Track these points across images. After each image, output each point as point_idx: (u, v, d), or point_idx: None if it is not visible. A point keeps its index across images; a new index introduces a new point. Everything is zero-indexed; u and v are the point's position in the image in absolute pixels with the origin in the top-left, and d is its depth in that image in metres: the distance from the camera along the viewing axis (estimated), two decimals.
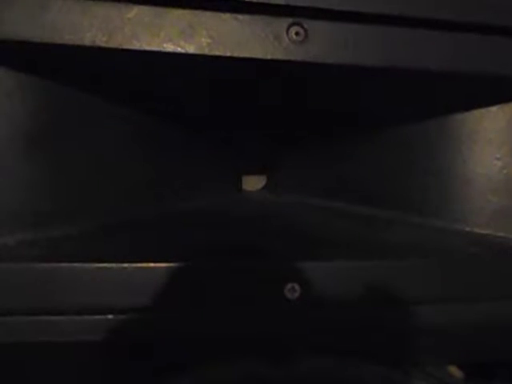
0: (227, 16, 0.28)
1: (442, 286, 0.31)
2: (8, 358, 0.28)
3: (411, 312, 0.31)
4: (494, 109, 0.35)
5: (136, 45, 0.27)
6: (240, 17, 0.28)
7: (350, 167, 0.47)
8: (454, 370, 0.43)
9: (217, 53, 0.28)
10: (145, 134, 0.40)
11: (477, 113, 0.36)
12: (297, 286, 0.29)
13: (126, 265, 0.27)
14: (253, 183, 0.64)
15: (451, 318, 0.32)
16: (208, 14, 0.27)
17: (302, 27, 0.29)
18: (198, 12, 0.27)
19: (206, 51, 0.28)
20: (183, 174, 0.49)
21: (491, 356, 0.36)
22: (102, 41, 0.26)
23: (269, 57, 0.28)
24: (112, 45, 0.27)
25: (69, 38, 0.26)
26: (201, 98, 0.38)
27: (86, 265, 0.27)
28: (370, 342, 0.32)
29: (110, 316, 0.28)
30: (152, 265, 0.28)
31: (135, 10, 0.27)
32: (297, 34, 0.28)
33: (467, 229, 0.36)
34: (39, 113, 0.29)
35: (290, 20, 0.28)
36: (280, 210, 0.53)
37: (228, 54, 0.28)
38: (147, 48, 0.27)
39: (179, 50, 0.27)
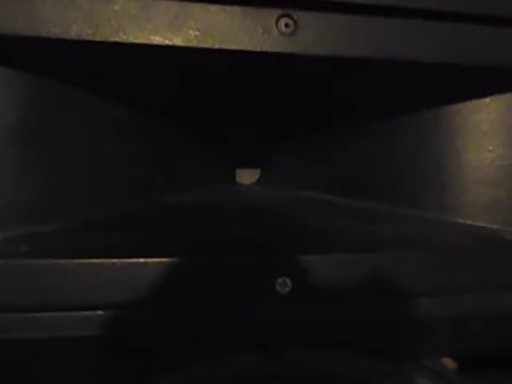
0: (215, 8, 0.27)
1: (435, 279, 0.31)
2: None
3: (404, 305, 0.31)
4: (487, 100, 0.35)
5: (123, 37, 0.26)
6: (228, 8, 0.27)
7: (344, 160, 0.47)
8: (448, 361, 0.44)
9: (205, 45, 0.27)
10: (136, 128, 0.39)
11: (470, 104, 0.35)
12: (288, 281, 0.29)
13: (116, 260, 0.27)
14: (247, 176, 0.63)
15: (445, 310, 0.32)
16: (196, 5, 0.27)
17: (292, 19, 0.28)
18: (186, 3, 0.27)
19: (194, 43, 0.27)
20: (176, 168, 0.48)
21: (485, 348, 0.36)
22: (88, 34, 0.26)
23: (258, 49, 0.28)
24: (98, 38, 0.26)
25: (54, 32, 0.26)
26: (191, 90, 0.38)
27: (77, 261, 0.27)
28: (362, 335, 0.32)
29: (101, 312, 0.28)
30: (142, 260, 0.28)
31: (121, 2, 0.26)
32: (286, 25, 0.28)
33: (460, 221, 0.36)
34: (26, 107, 0.29)
35: (280, 11, 0.28)
36: (274, 203, 0.53)
37: (216, 47, 0.27)
38: (134, 40, 0.27)
39: (167, 42, 0.27)
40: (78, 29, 0.26)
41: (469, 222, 0.35)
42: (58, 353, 0.28)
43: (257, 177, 0.64)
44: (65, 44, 0.26)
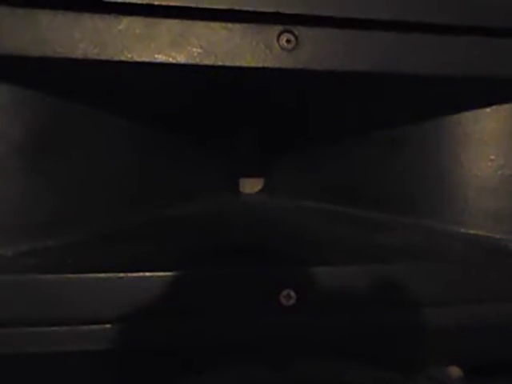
0: (217, 25, 0.28)
1: (438, 289, 0.31)
2: (6, 370, 0.28)
3: (408, 316, 0.31)
4: (488, 110, 0.35)
5: (127, 56, 0.27)
6: (230, 26, 0.28)
7: (347, 170, 0.47)
8: (454, 369, 0.44)
9: (208, 62, 0.28)
10: (140, 142, 0.40)
11: (471, 114, 0.36)
12: (292, 293, 0.29)
13: (122, 274, 0.28)
14: (250, 186, 0.64)
15: (450, 319, 0.32)
16: (198, 23, 0.27)
17: (293, 34, 0.29)
18: (188, 22, 0.27)
19: (197, 61, 0.28)
20: (180, 178, 0.49)
21: (491, 356, 0.36)
22: (93, 53, 0.27)
23: (260, 65, 0.28)
24: (103, 57, 0.27)
25: (60, 51, 0.26)
26: (195, 105, 0.38)
27: (84, 275, 0.27)
28: (367, 346, 0.32)
29: (108, 326, 0.28)
30: (148, 274, 0.28)
31: (125, 22, 0.27)
32: (288, 41, 0.28)
33: (462, 230, 0.36)
34: (34, 125, 0.29)
35: (281, 27, 0.28)
36: (277, 213, 0.53)
37: (219, 64, 0.28)
38: (138, 59, 0.27)
39: (170, 60, 0.27)
40: (84, 48, 0.26)
41: (471, 232, 0.36)
42: (64, 367, 0.28)
43: (260, 186, 0.64)
44: (70, 63, 0.27)
